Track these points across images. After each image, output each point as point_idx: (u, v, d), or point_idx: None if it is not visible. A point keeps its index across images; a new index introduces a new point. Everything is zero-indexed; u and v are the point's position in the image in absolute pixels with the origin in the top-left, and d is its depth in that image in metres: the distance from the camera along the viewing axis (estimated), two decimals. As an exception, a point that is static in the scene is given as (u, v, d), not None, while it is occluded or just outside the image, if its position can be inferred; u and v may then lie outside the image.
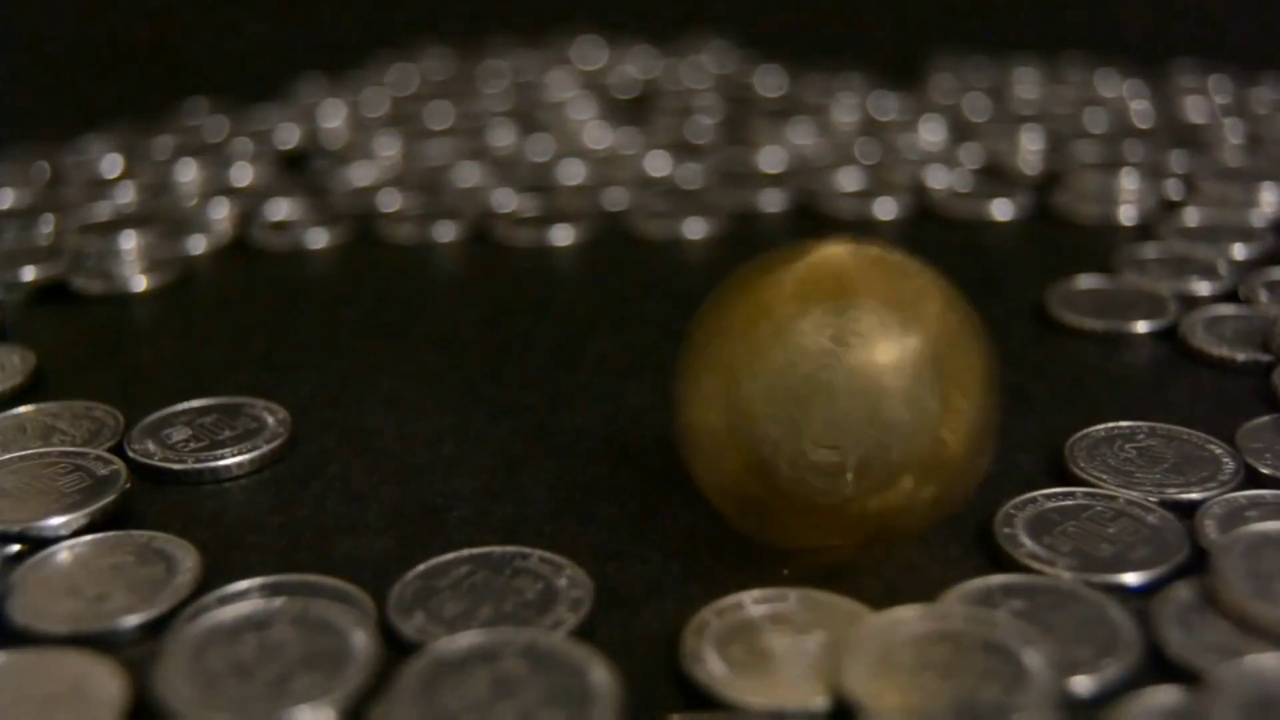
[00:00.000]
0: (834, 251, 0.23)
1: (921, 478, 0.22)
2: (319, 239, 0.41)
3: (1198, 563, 0.23)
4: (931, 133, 0.48)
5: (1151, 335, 0.33)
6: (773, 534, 0.24)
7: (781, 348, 0.22)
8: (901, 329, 0.22)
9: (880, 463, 0.22)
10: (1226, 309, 0.33)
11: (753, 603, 0.22)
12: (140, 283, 0.38)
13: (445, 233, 0.41)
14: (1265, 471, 0.26)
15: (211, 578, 0.23)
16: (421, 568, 0.23)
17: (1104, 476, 0.25)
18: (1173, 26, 0.67)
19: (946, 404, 0.22)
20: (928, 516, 0.23)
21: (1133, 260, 0.37)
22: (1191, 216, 0.40)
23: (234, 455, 0.27)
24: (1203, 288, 0.35)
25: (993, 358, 0.23)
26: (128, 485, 0.26)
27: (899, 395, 0.22)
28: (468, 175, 0.45)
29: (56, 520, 0.25)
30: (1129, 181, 0.42)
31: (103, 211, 0.42)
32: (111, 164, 0.47)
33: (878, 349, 0.22)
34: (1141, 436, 0.27)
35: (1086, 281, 0.36)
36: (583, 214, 0.42)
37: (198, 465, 0.27)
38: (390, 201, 0.43)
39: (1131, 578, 0.22)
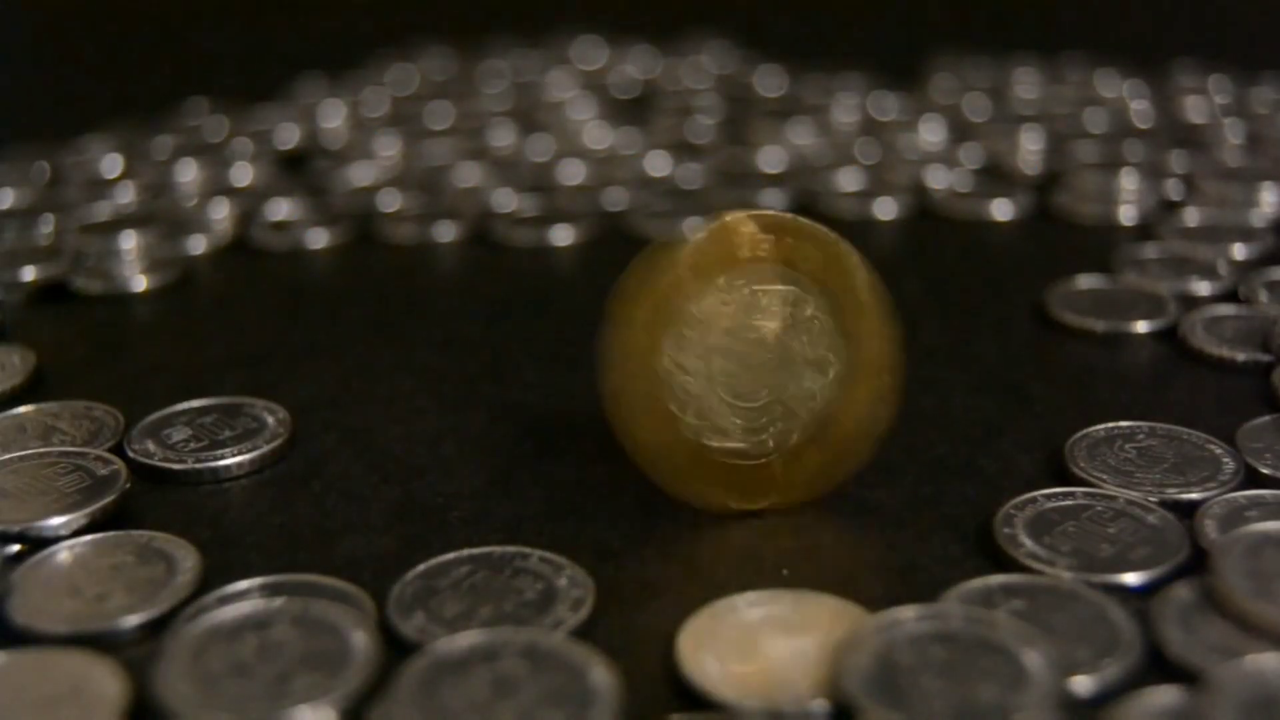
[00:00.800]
0: (739, 219, 0.24)
1: (820, 441, 0.24)
2: (319, 239, 0.41)
3: (1198, 563, 0.23)
4: (931, 133, 0.48)
5: (1151, 335, 0.33)
6: (691, 495, 0.25)
7: (693, 315, 0.23)
8: (805, 296, 0.24)
9: (784, 426, 0.24)
10: (1226, 309, 0.33)
11: (748, 605, 0.22)
12: (140, 283, 0.38)
13: (445, 233, 0.41)
14: (1265, 471, 0.26)
15: (211, 578, 0.23)
16: (421, 568, 0.23)
17: (1104, 476, 0.25)
18: (1173, 26, 0.67)
19: (848, 372, 0.24)
20: (824, 482, 0.25)
21: (1133, 260, 0.37)
22: (1191, 216, 0.40)
23: (234, 455, 0.27)
24: (1203, 288, 0.35)
25: (898, 337, 0.24)
26: (128, 485, 0.26)
27: (801, 360, 0.24)
28: (468, 175, 0.45)
29: (56, 520, 0.25)
30: (1129, 181, 0.42)
31: (103, 211, 0.42)
32: (111, 164, 0.47)
33: (780, 314, 0.24)
34: (1141, 436, 0.27)
35: (1086, 281, 0.36)
36: (583, 214, 0.42)
37: (198, 465, 0.27)
38: (390, 201, 0.43)
39: (1131, 578, 0.22)
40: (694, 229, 0.24)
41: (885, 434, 0.25)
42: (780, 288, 0.24)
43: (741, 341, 0.24)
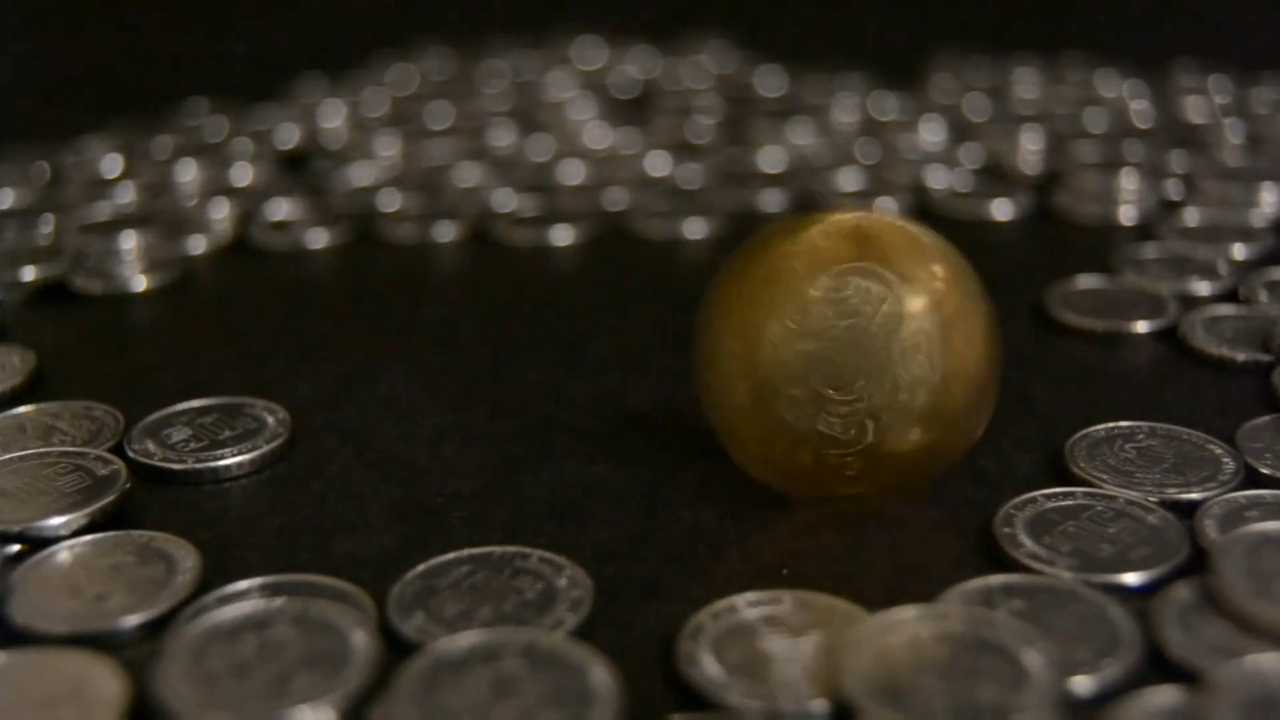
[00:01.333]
0: (846, 217, 0.24)
1: (928, 426, 0.24)
2: (319, 239, 0.41)
3: (1198, 563, 0.23)
4: (931, 133, 0.48)
5: (1151, 335, 0.33)
6: (791, 484, 0.25)
7: (797, 306, 0.23)
8: (909, 288, 0.24)
9: (891, 411, 0.24)
10: (1226, 309, 0.33)
11: (748, 605, 0.22)
12: (140, 283, 0.38)
13: (445, 233, 0.41)
14: (1265, 471, 0.26)
15: (211, 578, 0.23)
16: (421, 568, 0.23)
17: (1104, 476, 0.25)
18: (1173, 26, 0.67)
19: (951, 357, 0.24)
20: (934, 465, 0.25)
21: (1133, 260, 0.37)
22: (1191, 216, 0.40)
23: (234, 455, 0.27)
24: (1203, 288, 0.35)
25: (994, 317, 0.25)
26: (128, 485, 0.26)
27: (909, 348, 0.23)
28: (468, 175, 0.45)
29: (56, 520, 0.25)
30: (1129, 181, 0.42)
31: (103, 211, 0.42)
32: (111, 164, 0.47)
33: (888, 305, 0.23)
34: (1141, 436, 0.27)
35: (1086, 281, 0.36)
36: (583, 214, 0.42)
37: (198, 465, 0.27)
38: (390, 201, 0.43)
39: (1131, 578, 0.22)
40: (810, 218, 0.25)
41: (980, 436, 0.25)
42: (883, 285, 0.24)
43: (841, 332, 0.24)
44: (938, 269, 0.24)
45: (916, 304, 0.24)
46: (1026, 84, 0.55)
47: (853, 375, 0.23)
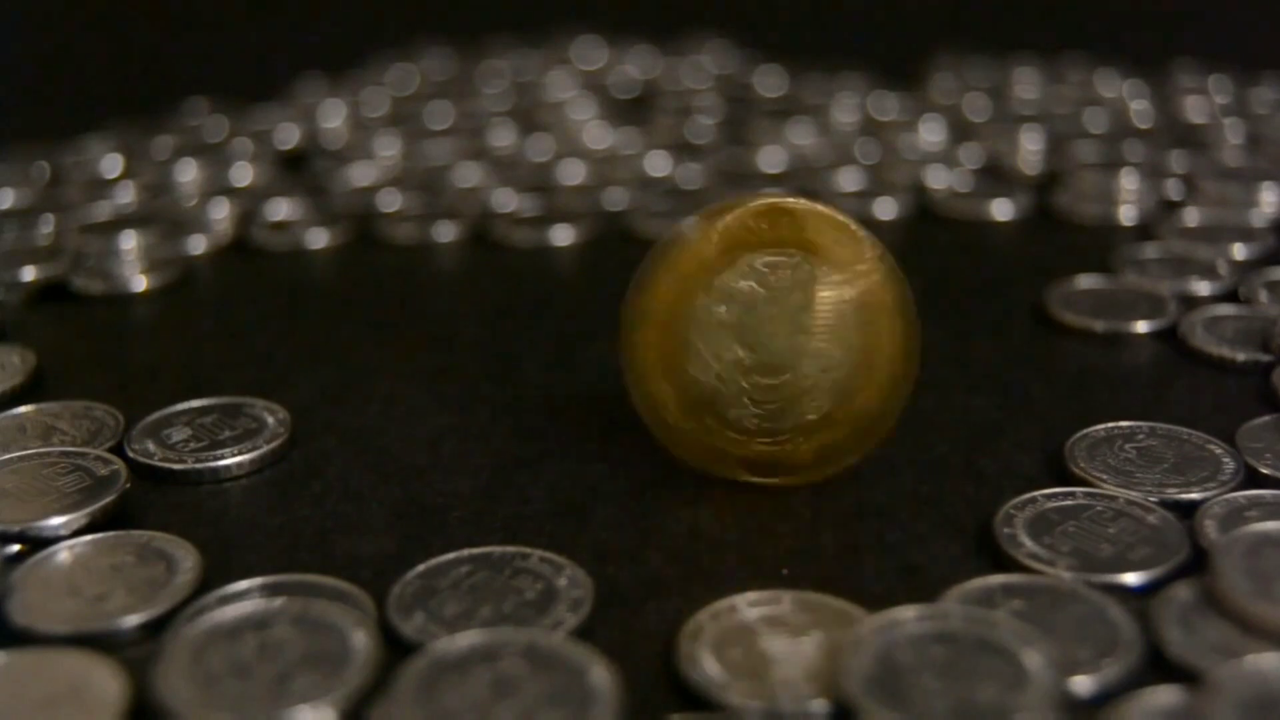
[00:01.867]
0: (765, 201, 0.25)
1: (842, 409, 0.25)
2: (319, 239, 0.41)
3: (1198, 563, 0.23)
4: (931, 133, 0.48)
5: (1151, 335, 0.33)
6: (704, 465, 0.26)
7: (715, 291, 0.24)
8: (828, 270, 0.24)
9: (799, 405, 0.24)
10: (1226, 309, 0.33)
11: (748, 605, 0.22)
12: (140, 283, 0.38)
13: (445, 233, 0.41)
14: (1265, 471, 0.26)
15: (211, 578, 0.24)
16: (421, 568, 0.23)
17: (1104, 476, 0.25)
18: (1173, 26, 0.67)
19: (863, 358, 0.24)
20: (834, 462, 0.25)
21: (1133, 260, 0.37)
22: (1191, 216, 0.40)
23: (234, 455, 0.27)
24: (1203, 288, 0.35)
25: (916, 326, 0.25)
26: (128, 485, 0.26)
27: (819, 341, 0.24)
28: (468, 175, 0.45)
29: (56, 520, 0.25)
30: (1129, 181, 0.42)
31: (103, 211, 0.42)
32: (111, 164, 0.47)
33: (806, 286, 0.24)
34: (1141, 436, 0.27)
35: (1086, 281, 0.36)
36: (583, 214, 0.42)
37: (198, 465, 0.27)
38: (390, 201, 0.43)
39: (1131, 578, 0.22)
40: (716, 211, 0.25)
41: (898, 420, 0.25)
42: (800, 269, 0.24)
43: (760, 319, 0.24)
44: (858, 253, 0.24)
45: (834, 286, 0.24)
46: (1026, 84, 0.54)
47: (770, 354, 0.24)
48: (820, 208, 0.25)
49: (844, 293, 0.24)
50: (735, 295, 0.24)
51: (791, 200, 0.25)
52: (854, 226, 0.25)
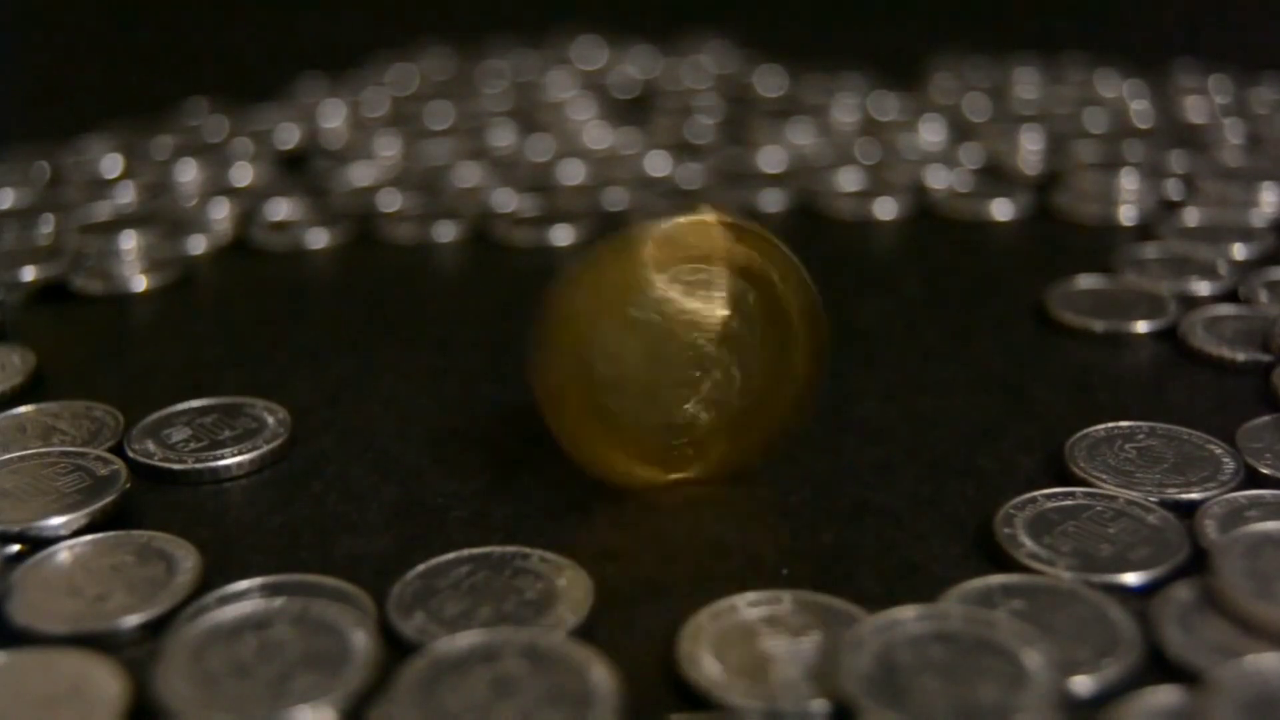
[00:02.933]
0: (674, 221, 0.25)
1: (730, 434, 0.26)
2: (319, 239, 0.41)
3: (1198, 563, 0.23)
4: (931, 133, 0.48)
5: (1151, 335, 0.33)
6: (602, 466, 0.26)
7: (633, 301, 0.25)
8: (736, 282, 0.25)
9: (700, 413, 0.25)
10: (1226, 309, 0.33)
11: (748, 605, 0.22)
12: (140, 283, 0.38)
13: (445, 233, 0.41)
14: (1265, 471, 0.26)
15: (211, 578, 0.24)
16: (421, 568, 0.23)
17: (1104, 476, 0.25)
18: (1173, 26, 0.67)
19: (766, 373, 0.25)
20: (730, 467, 0.26)
21: (1133, 260, 0.37)
22: (1191, 216, 0.40)
23: (234, 455, 0.27)
24: (1203, 288, 0.35)
25: (823, 349, 0.26)
26: (128, 485, 0.26)
27: (725, 354, 0.25)
28: (468, 175, 0.45)
29: (56, 520, 0.25)
30: (1129, 181, 0.42)
31: (103, 211, 0.42)
32: (111, 164, 0.47)
33: (710, 309, 0.25)
34: (1141, 436, 0.27)
35: (1086, 281, 0.36)
36: (583, 214, 0.42)
37: (198, 465, 0.27)
38: (390, 201, 0.43)
39: (1131, 578, 0.22)
40: (641, 226, 0.25)
41: (793, 435, 0.26)
42: (713, 284, 0.25)
43: (669, 330, 0.25)
44: (764, 266, 0.25)
45: (737, 298, 0.25)
46: (1026, 84, 0.54)
47: (673, 371, 0.25)
48: (727, 218, 0.25)
49: (751, 299, 0.25)
50: (647, 305, 0.25)
51: (702, 214, 0.25)
52: (763, 236, 0.25)
